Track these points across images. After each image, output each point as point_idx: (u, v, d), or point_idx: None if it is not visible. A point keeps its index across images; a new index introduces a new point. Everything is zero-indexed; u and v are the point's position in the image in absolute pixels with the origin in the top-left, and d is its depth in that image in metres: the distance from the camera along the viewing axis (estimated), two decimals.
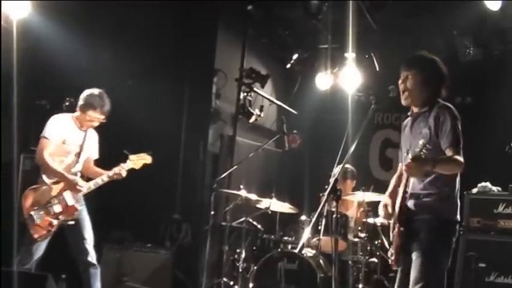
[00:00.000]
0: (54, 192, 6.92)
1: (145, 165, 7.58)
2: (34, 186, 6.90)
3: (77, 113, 7.22)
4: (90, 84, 8.90)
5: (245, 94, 9.58)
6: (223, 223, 8.90)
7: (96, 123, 7.28)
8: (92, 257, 7.21)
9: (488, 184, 8.05)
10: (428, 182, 5.30)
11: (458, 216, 5.43)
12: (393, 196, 5.62)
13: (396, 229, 5.43)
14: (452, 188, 5.37)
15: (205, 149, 9.84)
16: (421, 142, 4.95)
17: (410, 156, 5.02)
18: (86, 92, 7.26)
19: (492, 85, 10.01)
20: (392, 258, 5.60)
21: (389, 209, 5.56)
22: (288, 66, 11.14)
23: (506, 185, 7.94)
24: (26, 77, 7.75)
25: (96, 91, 7.28)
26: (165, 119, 9.57)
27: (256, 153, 9.21)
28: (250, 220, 8.78)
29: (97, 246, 8.57)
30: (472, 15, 9.11)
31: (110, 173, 7.25)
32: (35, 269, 6.95)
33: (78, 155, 7.20)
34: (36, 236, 6.73)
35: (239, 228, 8.84)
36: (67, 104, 7.62)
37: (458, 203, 5.45)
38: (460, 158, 5.13)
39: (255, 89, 9.72)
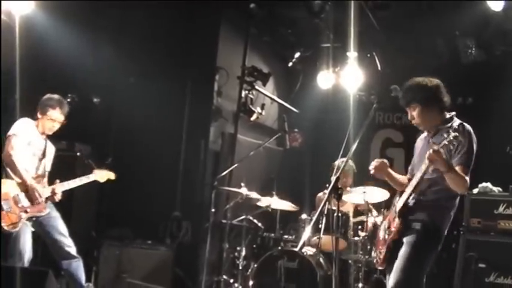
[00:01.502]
0: (23, 187, 6.96)
1: (109, 180, 7.77)
2: (3, 180, 6.91)
3: (38, 119, 7.29)
4: (92, 80, 8.94)
5: (247, 92, 9.60)
6: (224, 221, 8.91)
7: (57, 125, 7.32)
8: (73, 249, 7.26)
9: (488, 185, 8.05)
10: (435, 190, 5.47)
11: (446, 231, 5.62)
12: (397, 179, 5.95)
13: (392, 223, 5.65)
14: (453, 203, 5.60)
15: (206, 146, 9.83)
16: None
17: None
18: (45, 96, 7.36)
19: (494, 86, 10.01)
20: (381, 256, 5.72)
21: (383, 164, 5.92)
22: (290, 64, 11.12)
23: (506, 185, 7.94)
24: (28, 73, 7.76)
25: (55, 95, 7.38)
26: (166, 117, 9.57)
27: (257, 152, 9.22)
28: (251, 218, 8.79)
29: (97, 243, 8.64)
30: (474, 16, 9.10)
31: (83, 178, 7.42)
32: (33, 265, 7.00)
33: (40, 160, 7.25)
34: (3, 224, 6.72)
35: (239, 226, 8.85)
36: (69, 100, 7.62)
37: (451, 218, 5.63)
38: (468, 180, 5.32)
39: (256, 87, 9.74)
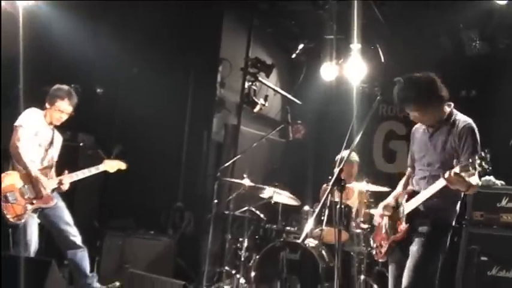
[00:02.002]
0: (29, 178, 6.97)
1: (119, 170, 7.72)
2: (9, 172, 6.94)
3: (46, 109, 7.29)
4: (95, 71, 8.94)
5: (250, 83, 9.61)
6: (226, 212, 8.91)
7: (65, 116, 7.33)
8: (78, 239, 7.30)
9: (491, 178, 8.05)
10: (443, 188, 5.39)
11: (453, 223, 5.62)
12: (397, 199, 5.85)
13: (399, 225, 5.63)
14: (459, 197, 5.58)
15: (209, 137, 9.84)
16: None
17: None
18: (54, 87, 7.36)
19: (497, 79, 9.99)
20: (382, 250, 5.71)
21: (388, 212, 5.82)
22: (293, 56, 11.12)
23: (509, 179, 7.95)
24: (31, 64, 7.75)
25: (64, 86, 7.38)
26: (169, 108, 9.58)
27: (260, 143, 9.21)
28: (253, 209, 8.78)
29: (100, 233, 8.65)
30: (478, 8, 9.08)
31: (92, 169, 7.38)
32: (37, 254, 7.02)
33: (47, 150, 7.25)
34: (8, 216, 6.74)
35: (242, 217, 8.86)
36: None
37: (458, 211, 5.63)
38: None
39: (259, 78, 9.74)
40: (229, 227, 8.88)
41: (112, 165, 7.63)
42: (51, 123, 7.32)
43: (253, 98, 9.62)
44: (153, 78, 9.57)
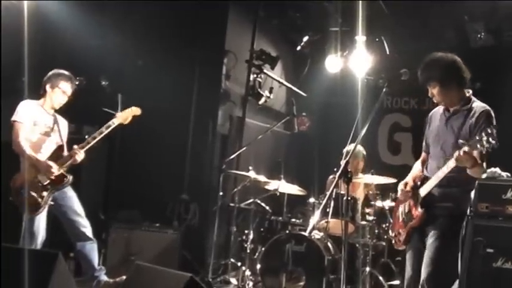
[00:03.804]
0: (36, 168, 6.99)
1: (135, 117, 7.64)
2: (23, 169, 6.98)
3: (45, 95, 7.31)
4: (100, 63, 8.94)
5: (255, 76, 9.60)
6: (232, 204, 8.95)
7: (65, 99, 7.35)
8: (88, 231, 7.34)
9: (497, 170, 8.02)
10: (457, 177, 5.48)
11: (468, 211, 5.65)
12: (415, 179, 5.85)
13: (414, 211, 5.63)
14: (473, 186, 5.63)
15: (214, 130, 9.84)
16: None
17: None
18: (53, 71, 7.38)
19: (502, 71, 9.99)
20: (401, 238, 5.72)
21: (409, 187, 5.81)
22: (298, 48, 11.12)
23: None
24: (36, 56, 7.76)
25: (63, 70, 7.42)
26: (174, 100, 9.57)
27: (265, 135, 9.24)
28: (259, 201, 8.81)
29: (105, 225, 8.67)
30: (483, 1, 9.07)
31: (103, 129, 7.33)
32: (44, 245, 7.06)
33: (48, 134, 7.27)
34: (27, 209, 6.80)
35: (247, 210, 8.89)
36: (77, 83, 7.63)
37: (471, 200, 5.68)
38: (484, 166, 5.49)
39: (265, 70, 9.74)
40: (235, 219, 8.91)
41: (125, 116, 7.52)
42: (52, 108, 7.33)
43: (258, 90, 9.61)
44: (158, 71, 9.56)
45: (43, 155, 7.12)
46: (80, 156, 7.16)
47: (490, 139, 4.91)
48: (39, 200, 6.90)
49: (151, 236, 8.74)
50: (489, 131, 4.93)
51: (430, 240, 5.47)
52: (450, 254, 5.45)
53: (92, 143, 7.27)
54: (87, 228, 7.32)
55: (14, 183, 6.94)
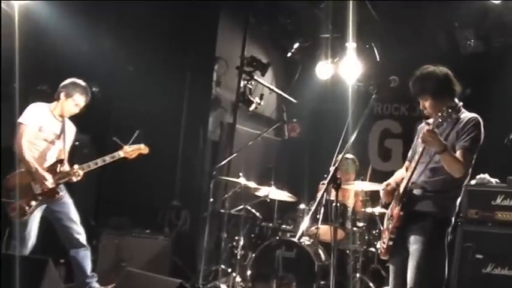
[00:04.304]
0: (32, 175, 6.95)
1: (140, 155, 7.63)
2: (17, 172, 6.93)
3: (58, 101, 7.28)
4: (91, 70, 8.94)
5: (245, 82, 9.61)
6: (222, 210, 8.94)
7: (77, 111, 7.36)
8: (82, 237, 7.32)
9: (486, 176, 8.07)
10: (440, 180, 5.45)
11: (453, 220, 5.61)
12: (397, 182, 5.87)
13: (395, 214, 5.56)
14: (459, 192, 5.58)
15: (205, 136, 9.85)
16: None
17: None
18: (71, 79, 7.36)
19: (492, 77, 10.02)
20: (384, 246, 5.71)
21: (390, 187, 5.83)
22: (289, 55, 11.13)
23: (504, 176, 7.96)
24: (27, 62, 7.75)
25: (81, 81, 7.40)
26: (165, 106, 9.57)
27: (256, 142, 9.25)
28: (249, 208, 8.81)
29: (96, 232, 8.65)
30: (473, 7, 9.12)
31: (106, 158, 7.33)
32: (34, 251, 7.03)
33: (53, 142, 7.23)
34: (12, 213, 6.78)
35: (238, 216, 8.90)
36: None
37: (457, 208, 5.63)
38: (464, 163, 5.32)
39: (255, 77, 9.75)
40: (225, 226, 8.90)
41: (132, 152, 7.51)
42: (61, 116, 7.30)
43: (249, 96, 9.63)
44: (149, 77, 9.57)
45: (48, 162, 7.11)
46: (78, 177, 7.16)
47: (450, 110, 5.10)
48: (26, 207, 6.86)
49: (142, 243, 8.73)
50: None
51: (414, 246, 5.42)
52: (435, 259, 5.41)
53: (92, 168, 7.25)
54: (81, 235, 7.30)
55: (7, 182, 6.89)
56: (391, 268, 5.77)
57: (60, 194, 7.10)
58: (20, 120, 6.99)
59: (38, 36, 8.69)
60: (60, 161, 7.21)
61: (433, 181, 5.48)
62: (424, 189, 5.51)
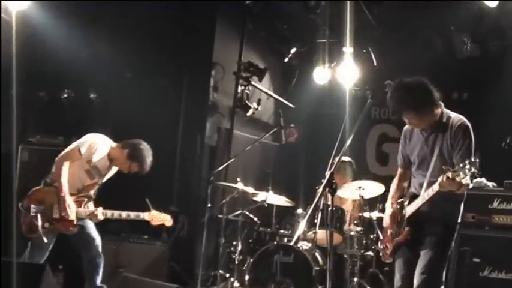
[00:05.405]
0: (57, 198, 6.83)
1: (162, 225, 7.57)
2: (45, 188, 6.86)
3: (121, 150, 7.23)
4: (88, 76, 8.96)
5: (243, 87, 9.64)
6: (220, 216, 8.93)
7: (125, 171, 7.31)
8: (99, 245, 7.26)
9: (483, 179, 8.08)
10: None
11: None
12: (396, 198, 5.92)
13: (401, 228, 5.69)
14: (463, 198, 5.66)
15: (202, 141, 9.86)
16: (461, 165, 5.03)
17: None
18: (141, 143, 7.28)
19: (489, 81, 10.06)
20: (387, 251, 5.75)
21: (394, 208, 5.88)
22: (286, 60, 11.17)
23: (501, 180, 7.98)
24: (25, 69, 7.76)
25: (148, 147, 7.32)
26: (163, 112, 9.58)
27: (253, 147, 9.25)
28: (247, 213, 8.82)
29: None
30: (469, 11, 9.14)
31: (131, 214, 7.38)
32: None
33: (92, 177, 7.16)
34: (23, 227, 6.67)
35: (235, 221, 8.89)
36: (65, 96, 7.60)
37: (461, 211, 5.73)
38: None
39: (252, 82, 9.78)
40: (223, 231, 8.90)
41: (156, 217, 7.48)
42: (111, 161, 7.25)
43: (246, 102, 9.65)
44: (147, 83, 9.58)
45: (78, 193, 7.02)
46: (96, 221, 7.12)
47: (473, 168, 4.91)
48: (39, 227, 6.71)
49: (140, 248, 8.74)
50: (473, 159, 4.95)
51: (424, 249, 5.52)
52: (441, 264, 5.53)
53: (112, 217, 7.22)
54: (98, 246, 7.24)
55: (32, 194, 6.79)
56: (398, 268, 5.80)
57: (74, 229, 6.94)
58: (78, 144, 6.96)
59: (35, 43, 8.70)
60: (88, 197, 7.14)
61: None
62: (432, 199, 5.49)
